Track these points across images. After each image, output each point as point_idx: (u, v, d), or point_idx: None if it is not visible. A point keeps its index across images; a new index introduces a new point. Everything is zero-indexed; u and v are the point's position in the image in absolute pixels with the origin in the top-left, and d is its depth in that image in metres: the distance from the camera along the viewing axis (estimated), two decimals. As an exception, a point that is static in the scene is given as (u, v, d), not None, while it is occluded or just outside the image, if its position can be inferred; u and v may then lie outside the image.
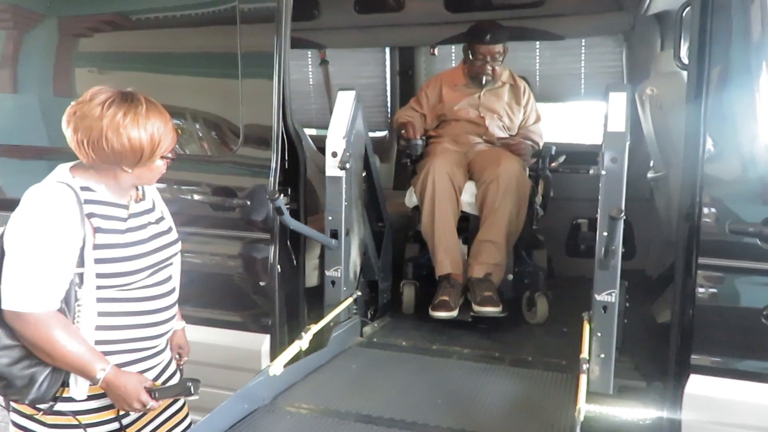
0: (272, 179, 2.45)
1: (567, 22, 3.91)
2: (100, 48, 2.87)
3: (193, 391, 1.67)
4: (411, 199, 3.27)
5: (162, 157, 1.65)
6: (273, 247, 2.50)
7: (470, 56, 3.37)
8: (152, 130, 1.58)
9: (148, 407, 1.61)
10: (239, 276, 2.62)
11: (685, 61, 2.22)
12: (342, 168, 2.52)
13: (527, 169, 3.32)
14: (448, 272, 3.03)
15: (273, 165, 2.45)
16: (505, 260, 3.06)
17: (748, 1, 1.92)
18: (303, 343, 2.21)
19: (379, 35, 4.44)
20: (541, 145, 3.49)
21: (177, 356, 1.94)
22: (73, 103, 1.58)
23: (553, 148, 3.37)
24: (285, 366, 2.11)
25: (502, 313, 2.87)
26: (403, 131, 3.31)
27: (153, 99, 1.64)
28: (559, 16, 3.90)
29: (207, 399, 1.99)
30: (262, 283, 2.54)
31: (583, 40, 4.06)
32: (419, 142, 3.24)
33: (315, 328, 2.31)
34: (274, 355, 2.45)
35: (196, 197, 2.64)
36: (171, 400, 1.79)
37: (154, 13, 2.73)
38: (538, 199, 3.31)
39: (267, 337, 2.53)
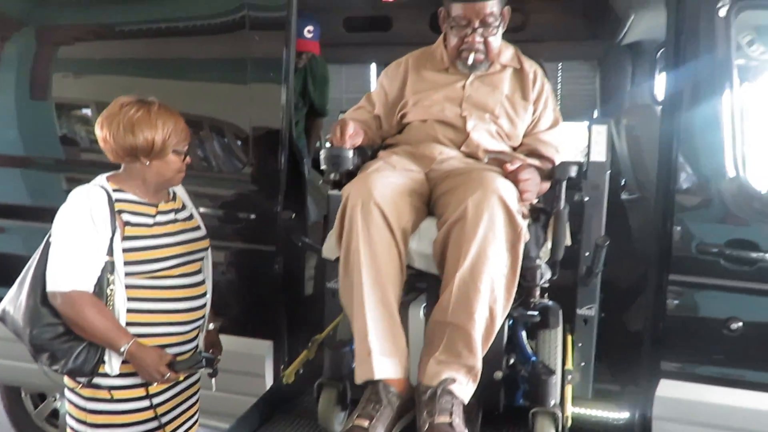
0: (280, 197, 2.56)
1: (546, 47, 4.15)
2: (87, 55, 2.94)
3: (205, 364, 1.92)
4: (332, 247, 1.95)
5: (175, 153, 1.91)
6: (279, 258, 2.61)
7: (449, 27, 2.12)
8: (160, 125, 1.87)
9: (166, 377, 1.87)
10: (247, 285, 2.75)
11: (659, 98, 2.46)
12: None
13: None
14: (375, 377, 1.75)
15: (281, 183, 2.57)
16: (480, 357, 1.75)
17: (713, 47, 2.14)
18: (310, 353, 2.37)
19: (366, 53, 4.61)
20: (557, 163, 2.11)
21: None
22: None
23: (574, 168, 2.01)
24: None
25: None
26: (328, 135, 2.09)
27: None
28: (539, 41, 4.14)
29: (217, 403, 2.16)
30: (267, 292, 2.67)
31: (560, 64, 4.31)
32: (346, 153, 1.98)
33: (319, 338, 2.46)
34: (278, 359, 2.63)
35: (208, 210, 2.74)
36: (191, 373, 2.04)
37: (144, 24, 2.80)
38: (544, 251, 2.01)
39: (270, 344, 2.68)
